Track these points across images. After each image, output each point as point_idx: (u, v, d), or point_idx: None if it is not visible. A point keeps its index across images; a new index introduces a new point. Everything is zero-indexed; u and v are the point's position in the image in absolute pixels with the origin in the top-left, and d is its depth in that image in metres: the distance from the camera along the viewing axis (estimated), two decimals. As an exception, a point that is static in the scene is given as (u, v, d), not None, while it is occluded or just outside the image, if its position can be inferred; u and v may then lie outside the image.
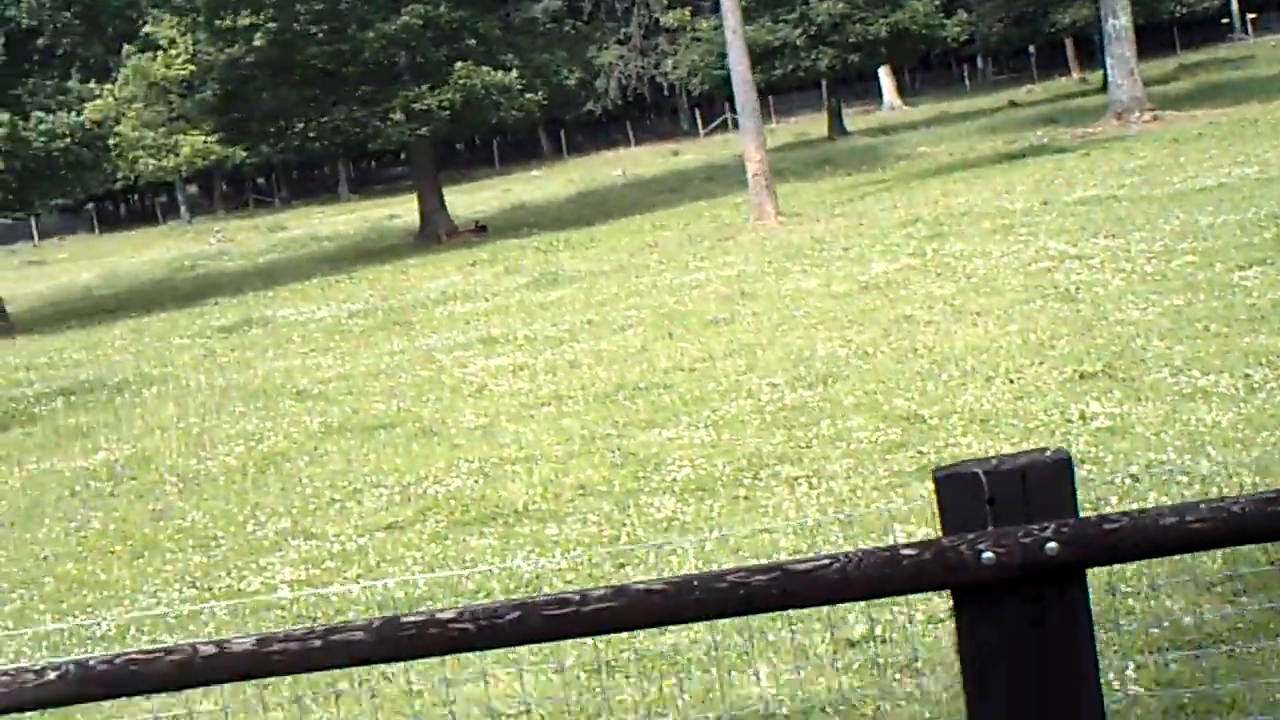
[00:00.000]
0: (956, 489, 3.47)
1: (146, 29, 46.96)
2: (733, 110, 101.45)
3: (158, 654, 3.57)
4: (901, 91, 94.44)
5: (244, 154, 75.63)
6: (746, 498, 10.76)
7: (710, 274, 23.74)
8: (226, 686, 6.95)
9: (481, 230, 42.03)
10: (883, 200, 32.37)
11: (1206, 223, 20.28)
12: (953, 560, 3.39)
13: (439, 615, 3.50)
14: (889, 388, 13.34)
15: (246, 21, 41.64)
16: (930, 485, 9.55)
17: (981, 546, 3.37)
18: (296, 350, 22.65)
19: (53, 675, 3.59)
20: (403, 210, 61.74)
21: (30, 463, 16.63)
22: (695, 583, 3.49)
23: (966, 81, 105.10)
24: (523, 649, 7.52)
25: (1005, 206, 26.64)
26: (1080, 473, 9.87)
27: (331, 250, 46.29)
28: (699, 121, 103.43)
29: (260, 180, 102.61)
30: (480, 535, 10.83)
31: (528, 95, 42.32)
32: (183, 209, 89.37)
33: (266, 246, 52.36)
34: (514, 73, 41.63)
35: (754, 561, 8.45)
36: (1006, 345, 14.38)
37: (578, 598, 3.47)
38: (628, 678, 7.52)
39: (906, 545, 3.47)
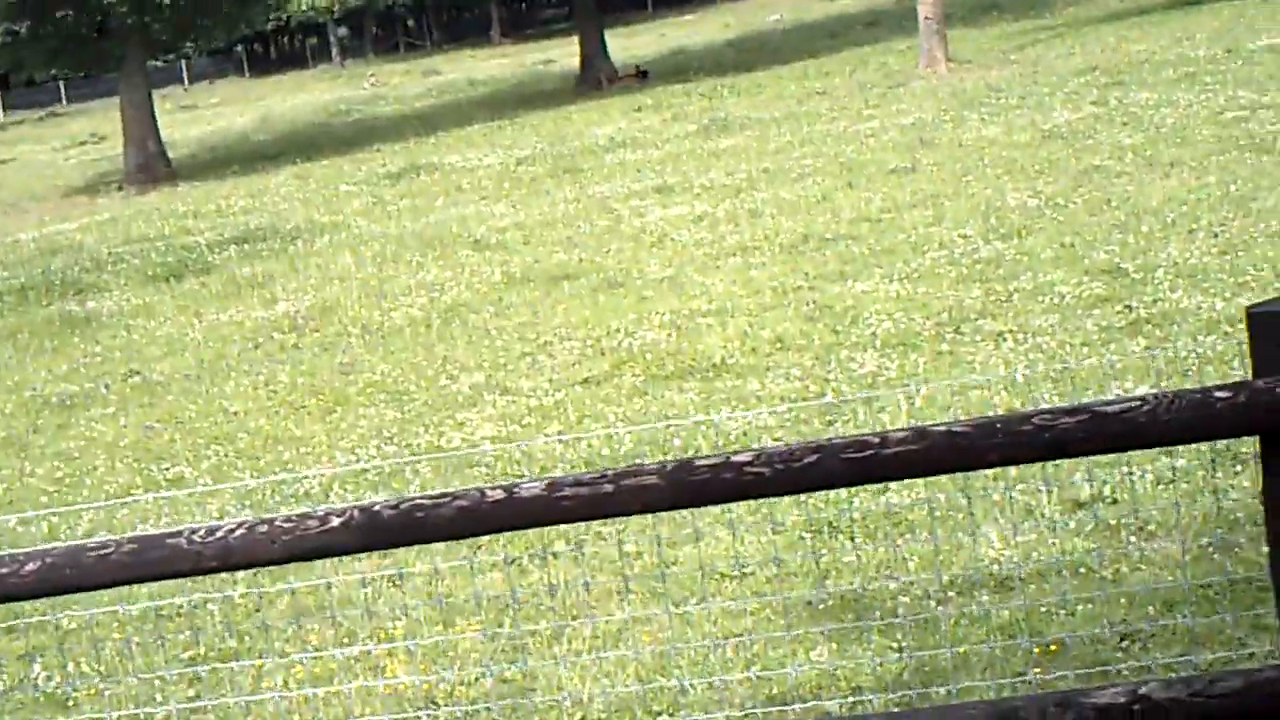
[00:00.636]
0: (1272, 327, 3.33)
1: None
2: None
3: (444, 499, 3.49)
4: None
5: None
6: (950, 353, 10.60)
7: (885, 122, 23.35)
8: (439, 546, 7.04)
9: (643, 75, 41.63)
10: (1055, 47, 31.65)
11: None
12: (1267, 402, 3.25)
13: (734, 459, 3.40)
14: (1086, 240, 13.06)
15: None
16: (1142, 341, 9.35)
17: (1297, 388, 3.24)
18: (467, 198, 22.59)
19: (336, 522, 3.51)
20: (558, 54, 61.38)
21: (210, 314, 16.69)
22: (998, 425, 3.36)
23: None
24: (740, 507, 7.51)
25: (1187, 54, 25.91)
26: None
27: (488, 95, 46.12)
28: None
29: (410, 23, 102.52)
30: (680, 390, 10.75)
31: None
32: (334, 51, 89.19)
33: (421, 91, 52.26)
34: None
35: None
36: (1206, 197, 13.99)
37: (877, 440, 3.35)
38: (852, 538, 7.41)
39: (1219, 387, 3.33)
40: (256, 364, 13.87)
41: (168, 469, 11.07)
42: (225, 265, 19.73)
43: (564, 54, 60.60)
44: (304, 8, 78.67)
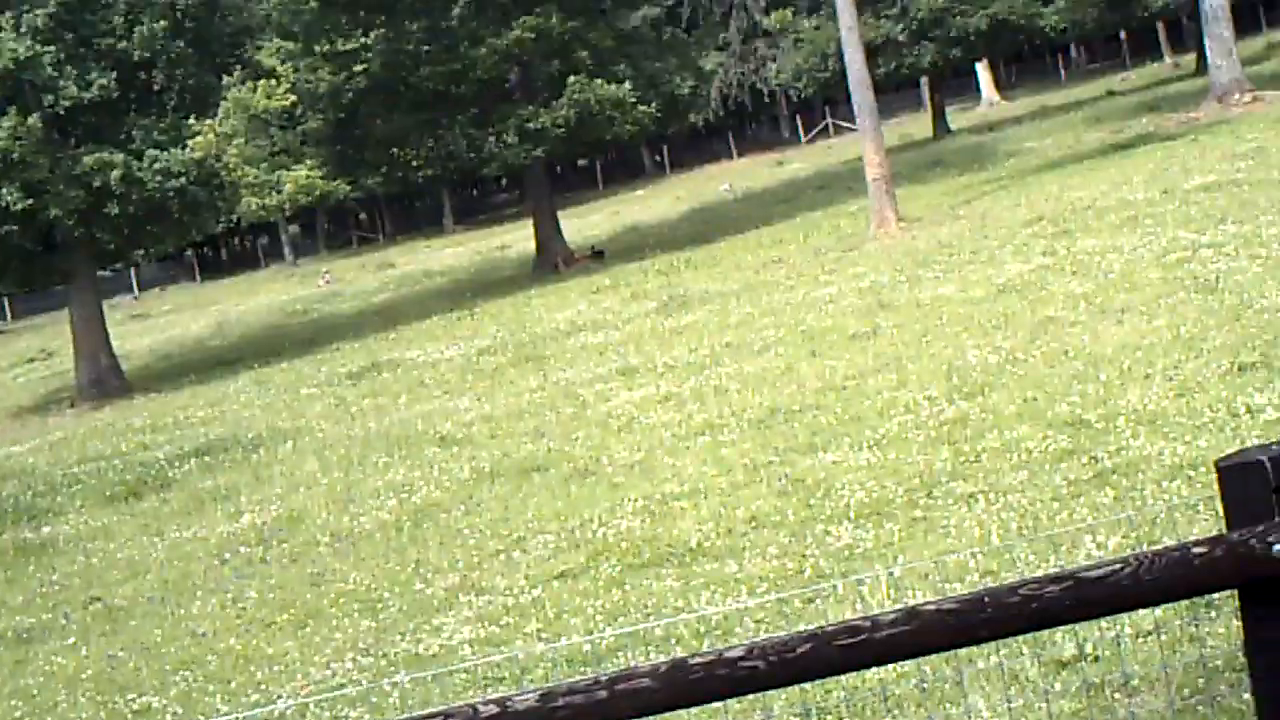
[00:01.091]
0: (1242, 479, 3.44)
1: (257, 56, 46.76)
2: (833, 115, 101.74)
3: (435, 717, 3.48)
4: (999, 86, 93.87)
5: (348, 188, 76.19)
6: (924, 518, 10.69)
7: (842, 286, 23.61)
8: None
9: (599, 255, 41.99)
10: (1001, 199, 32.11)
11: (1334, 201, 20.07)
12: (1242, 555, 3.34)
13: (727, 654, 3.45)
14: (1048, 393, 13.23)
15: (355, 44, 41.73)
16: (1110, 492, 9.47)
17: (1272, 539, 3.33)
18: (431, 393, 22.65)
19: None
20: (512, 239, 61.90)
21: (172, 531, 16.53)
22: (986, 599, 3.44)
23: (1062, 72, 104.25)
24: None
25: (1127, 198, 26.35)
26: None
27: (446, 285, 46.41)
28: (800, 128, 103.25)
29: (362, 216, 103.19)
30: (658, 578, 10.78)
31: (641, 108, 41.99)
32: (286, 250, 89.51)
33: (378, 285, 52.56)
34: (627, 84, 41.36)
35: (955, 584, 8.42)
36: (1158, 341, 14.24)
37: (869, 624, 3.43)
38: (840, 719, 7.46)
39: (1196, 543, 3.45)
40: (223, 581, 13.79)
41: (134, 700, 10.95)
42: (186, 479, 19.59)
43: (519, 238, 61.12)
44: (254, 208, 79.10)
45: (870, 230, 31.17)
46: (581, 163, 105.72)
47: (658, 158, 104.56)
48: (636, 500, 12.94)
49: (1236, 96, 42.68)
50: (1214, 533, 3.66)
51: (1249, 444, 10.17)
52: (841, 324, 19.97)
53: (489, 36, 40.21)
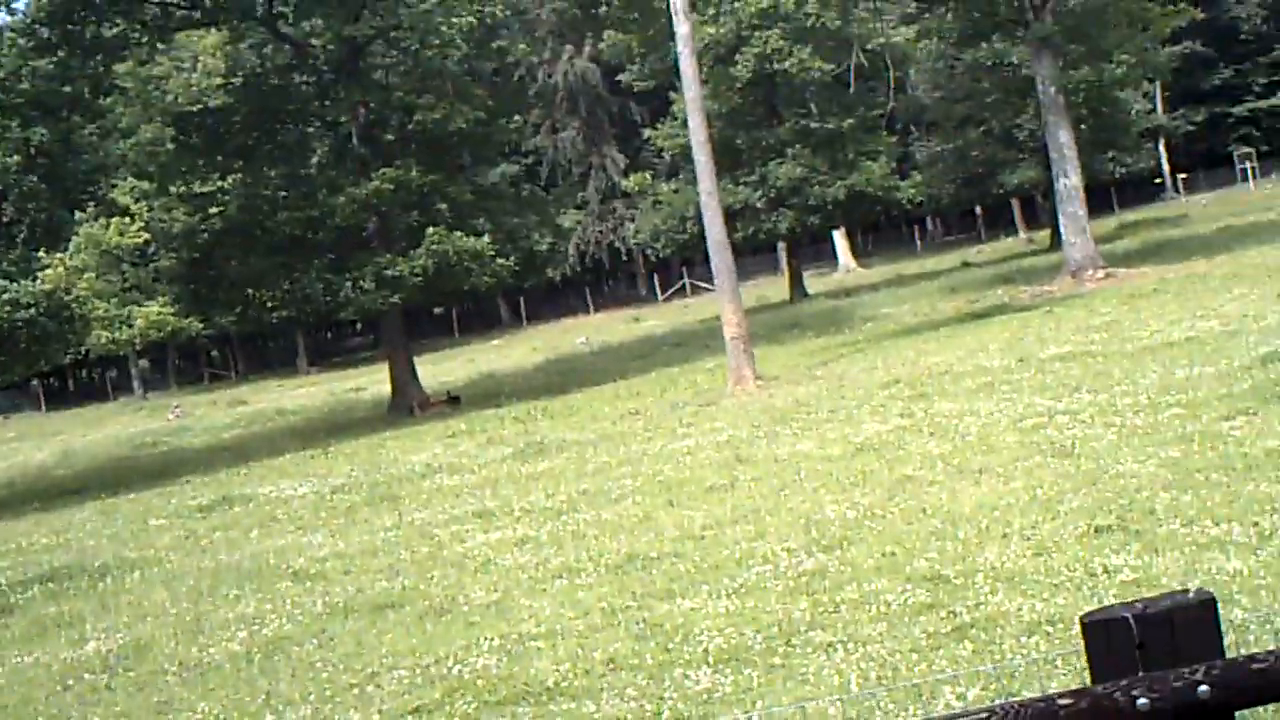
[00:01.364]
0: (1106, 634, 3.49)
1: (112, 194, 46.66)
2: (690, 275, 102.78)
3: None
4: (855, 253, 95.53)
5: (200, 326, 75.88)
6: (783, 665, 10.66)
7: (700, 440, 23.74)
8: None
9: (454, 401, 42.00)
10: (858, 362, 32.57)
11: (1183, 375, 20.62)
12: (1107, 708, 3.39)
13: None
14: (906, 549, 13.32)
15: (212, 187, 41.69)
16: (969, 645, 9.56)
17: (1136, 693, 3.38)
18: (283, 529, 22.40)
19: None
20: (367, 382, 61.73)
21: (13, 656, 16.01)
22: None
23: (918, 242, 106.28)
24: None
25: (983, 365, 26.88)
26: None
27: (299, 423, 46.16)
28: (657, 287, 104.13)
29: (215, 353, 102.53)
30: (514, 716, 10.67)
31: (499, 261, 42.22)
32: (136, 384, 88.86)
33: (229, 421, 52.11)
34: (485, 238, 41.58)
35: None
36: (1015, 502, 14.41)
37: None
38: None
39: (1061, 694, 3.47)
40: (66, 708, 13.42)
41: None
42: (29, 606, 19.08)
43: (373, 381, 61.00)
44: (104, 342, 78.43)
45: (728, 387, 31.45)
46: (438, 310, 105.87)
47: (515, 309, 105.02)
48: (493, 639, 12.80)
49: (1090, 272, 43.77)
50: (1073, 687, 3.71)
51: (1106, 603, 10.34)
52: (699, 476, 20.03)
53: (348, 186, 40.35)
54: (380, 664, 12.78)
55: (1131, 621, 3.47)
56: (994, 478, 15.95)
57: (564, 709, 10.61)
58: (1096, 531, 12.63)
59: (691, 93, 32.72)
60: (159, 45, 43.54)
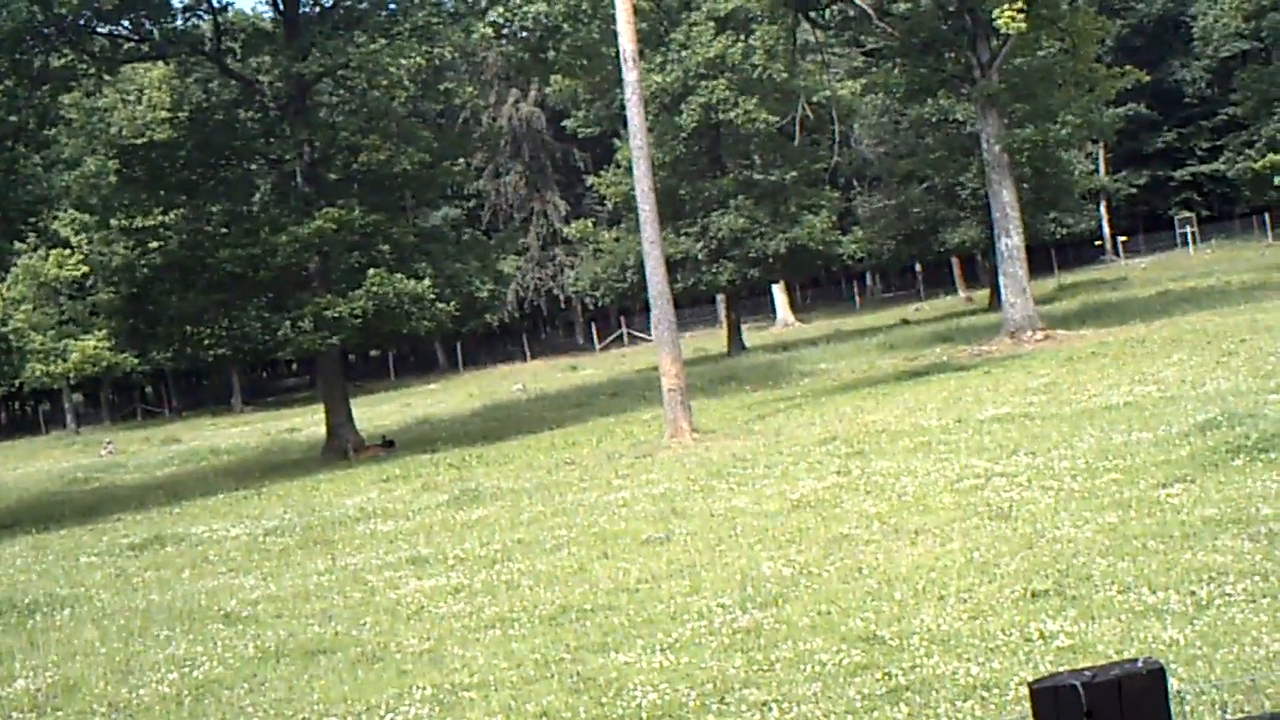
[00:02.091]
0: (1055, 703, 3.49)
1: (53, 225, 46.36)
2: (628, 324, 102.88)
3: None
4: (794, 308, 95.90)
5: (136, 361, 75.51)
6: (714, 724, 10.64)
7: (635, 492, 23.69)
8: None
9: (389, 445, 41.83)
10: (795, 417, 32.62)
11: (1121, 440, 20.75)
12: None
13: None
14: (842, 608, 13.30)
15: (154, 221, 41.47)
16: (904, 708, 9.53)
17: (1085, 764, 3.37)
18: (215, 570, 22.18)
19: None
20: (302, 423, 61.52)
21: None
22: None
23: (857, 299, 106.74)
24: None
25: (921, 424, 26.97)
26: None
27: (233, 464, 45.90)
28: (595, 336, 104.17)
29: (149, 390, 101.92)
30: (448, 767, 10.61)
31: (440, 305, 42.09)
32: (69, 418, 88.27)
33: (163, 459, 51.76)
34: (426, 281, 41.47)
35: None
36: (951, 564, 14.42)
37: None
38: None
39: None
40: (-7, 747, 13.31)
41: None
42: (-43, 642, 18.93)
43: (308, 422, 60.80)
44: (38, 374, 77.95)
45: (664, 439, 31.42)
46: (374, 353, 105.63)
47: (451, 354, 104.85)
48: (425, 689, 12.70)
49: (1029, 333, 44.05)
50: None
51: (1041, 668, 10.42)
52: (634, 528, 19.97)
53: (291, 224, 40.21)
54: (311, 710, 12.66)
55: (1080, 689, 3.46)
56: (931, 539, 15.97)
57: (500, 762, 10.53)
58: (1033, 596, 12.65)
59: (637, 140, 32.75)
60: (106, 77, 43.31)
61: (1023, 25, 41.49)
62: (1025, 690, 3.58)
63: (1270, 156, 67.08)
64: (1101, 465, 18.84)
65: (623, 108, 70.36)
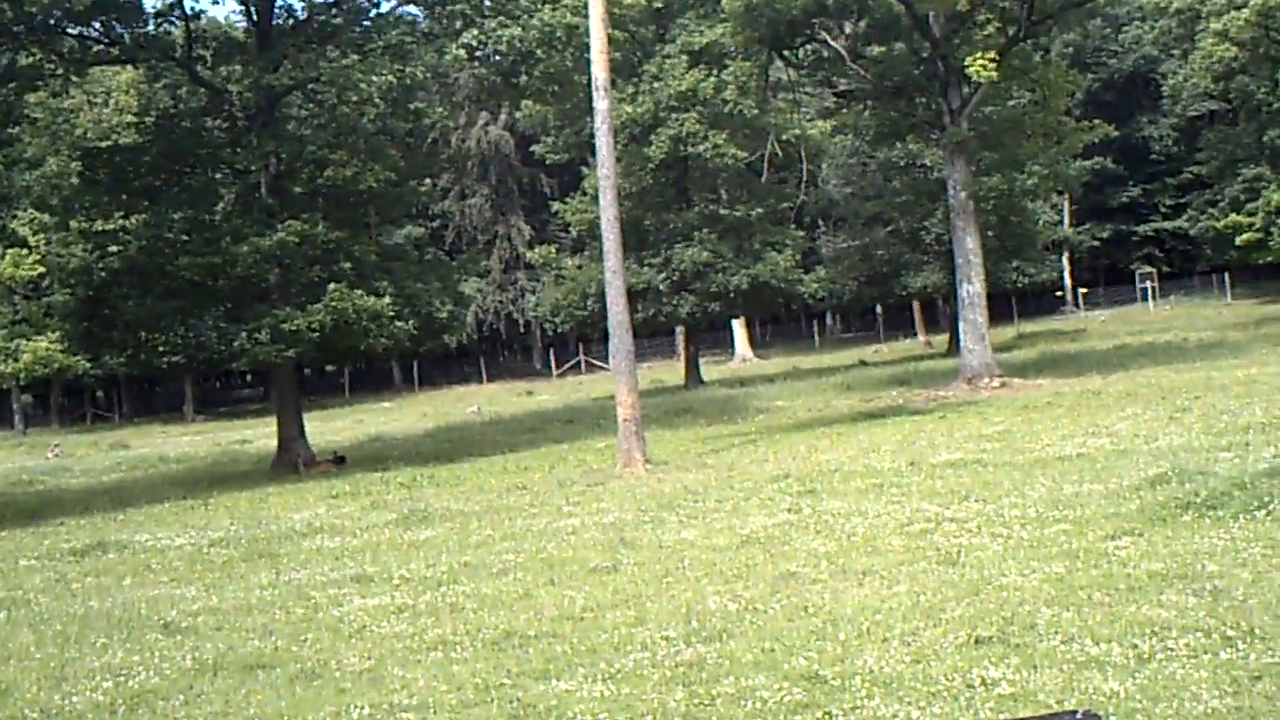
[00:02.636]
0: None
1: (13, 225, 46.05)
2: (587, 352, 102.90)
3: None
4: (753, 344, 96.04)
5: (88, 365, 75.00)
6: (654, 757, 10.56)
7: (585, 520, 23.58)
8: None
9: (340, 461, 41.66)
10: (749, 453, 32.60)
11: (1072, 491, 20.76)
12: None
13: None
14: (786, 646, 13.23)
15: (114, 225, 41.25)
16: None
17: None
18: (157, 579, 21.95)
19: None
20: (254, 435, 61.31)
21: None
22: None
23: (816, 338, 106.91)
24: None
25: (873, 465, 26.99)
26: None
27: (181, 473, 45.62)
28: (553, 362, 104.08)
29: (99, 394, 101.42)
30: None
31: (399, 323, 41.90)
32: (17, 419, 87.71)
33: (110, 464, 51.45)
34: (386, 299, 41.29)
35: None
36: (897, 606, 14.37)
37: None
38: None
39: None
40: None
41: None
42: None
43: (259, 434, 60.59)
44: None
45: (616, 468, 31.37)
46: (329, 368, 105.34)
47: (407, 373, 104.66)
48: (363, 709, 12.58)
49: (985, 380, 44.17)
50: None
51: (982, 715, 10.39)
52: (582, 556, 19.86)
53: (253, 235, 40.02)
54: (246, 727, 12.53)
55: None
56: (877, 580, 15.92)
57: (431, 786, 10.42)
58: (977, 642, 12.61)
59: (605, 169, 32.73)
60: (74, 78, 43.10)
61: (994, 75, 41.71)
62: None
63: (1233, 216, 67.48)
64: (1051, 515, 18.83)
65: (592, 135, 70.82)
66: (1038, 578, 15.01)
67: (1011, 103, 50.90)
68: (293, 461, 41.81)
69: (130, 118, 43.32)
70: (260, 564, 22.50)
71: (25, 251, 72.84)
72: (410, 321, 42.72)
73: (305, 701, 13.18)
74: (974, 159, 49.44)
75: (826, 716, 10.98)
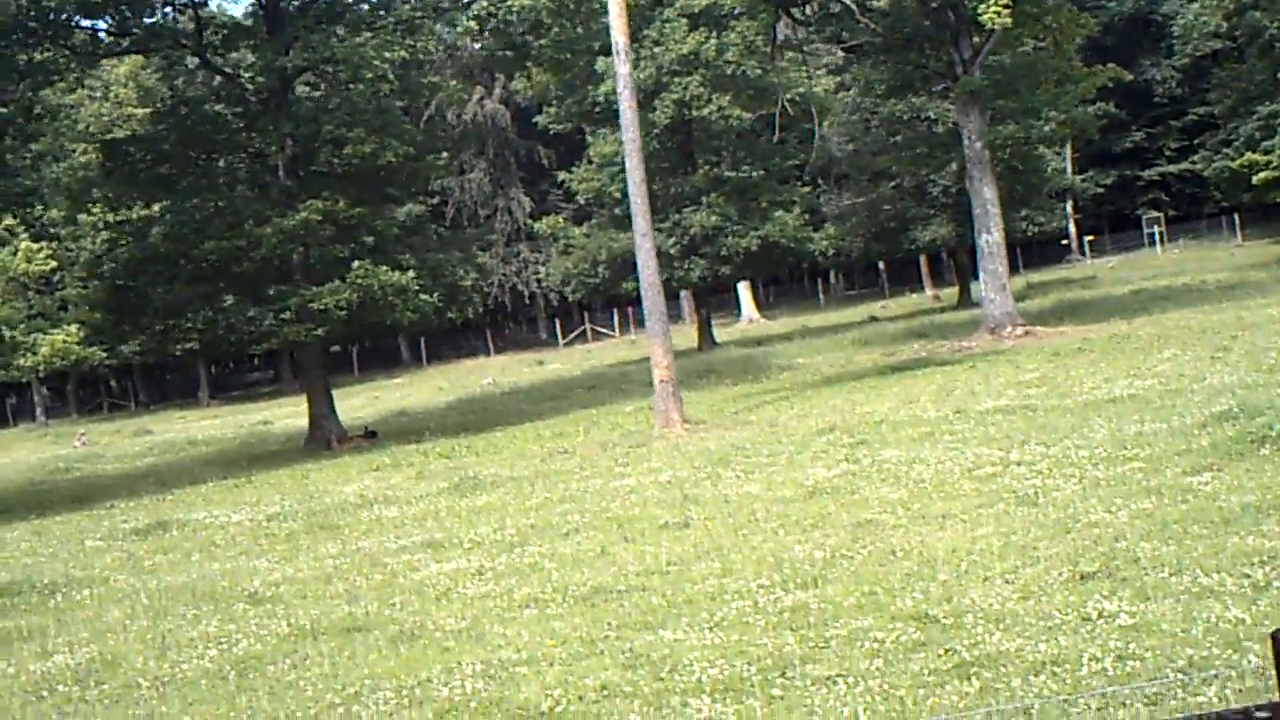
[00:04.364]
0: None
1: (45, 216, 46.08)
2: (592, 321, 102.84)
3: None
4: (758, 304, 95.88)
5: (104, 355, 75.12)
6: (784, 697, 10.65)
7: (641, 479, 23.68)
8: None
9: (371, 436, 41.79)
10: (785, 409, 32.69)
11: (1135, 431, 20.73)
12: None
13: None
14: (885, 589, 13.32)
15: (137, 214, 41.34)
16: (975, 683, 9.49)
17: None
18: (225, 553, 22.13)
19: None
20: (274, 416, 61.44)
21: None
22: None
23: (821, 296, 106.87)
24: None
25: (919, 415, 27.06)
26: (1128, 668, 10.00)
27: (213, 455, 45.75)
28: (559, 331, 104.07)
29: (113, 383, 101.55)
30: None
31: (423, 296, 41.92)
32: (38, 411, 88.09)
33: (140, 450, 51.57)
34: (410, 273, 41.31)
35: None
36: (988, 547, 14.45)
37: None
38: None
39: (1259, 707, 3.48)
40: (44, 716, 13.23)
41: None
42: (-22, 619, 18.86)
43: (280, 415, 60.79)
44: (11, 369, 77.69)
45: (656, 429, 31.49)
46: (336, 348, 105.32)
47: (415, 349, 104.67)
48: (473, 664, 12.70)
49: (1009, 329, 44.21)
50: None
51: (1109, 647, 10.46)
52: (649, 514, 19.96)
53: (275, 216, 40.07)
54: (360, 685, 12.64)
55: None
56: (959, 524, 16.03)
57: (565, 733, 10.55)
58: (1081, 578, 12.67)
59: (630, 134, 32.82)
60: (88, 72, 43.12)
61: (1008, 20, 41.64)
62: (1268, 640, 3.62)
63: (1249, 155, 67.28)
64: (1121, 454, 18.84)
65: (594, 104, 70.99)
66: (1125, 514, 15.07)
67: (1022, 49, 50.76)
68: (325, 438, 41.92)
69: (133, 110, 43.03)
70: (323, 535, 22.67)
71: (38, 247, 72.92)
72: (435, 294, 42.73)
73: (412, 660, 13.31)
74: (988, 108, 49.36)
75: (948, 653, 11.06)
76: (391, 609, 15.89)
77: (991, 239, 45.97)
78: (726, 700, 10.74)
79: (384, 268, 40.59)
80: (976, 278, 50.95)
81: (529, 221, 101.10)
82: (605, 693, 11.36)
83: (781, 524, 17.68)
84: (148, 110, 42.57)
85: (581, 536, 18.98)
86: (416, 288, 41.30)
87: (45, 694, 14.10)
